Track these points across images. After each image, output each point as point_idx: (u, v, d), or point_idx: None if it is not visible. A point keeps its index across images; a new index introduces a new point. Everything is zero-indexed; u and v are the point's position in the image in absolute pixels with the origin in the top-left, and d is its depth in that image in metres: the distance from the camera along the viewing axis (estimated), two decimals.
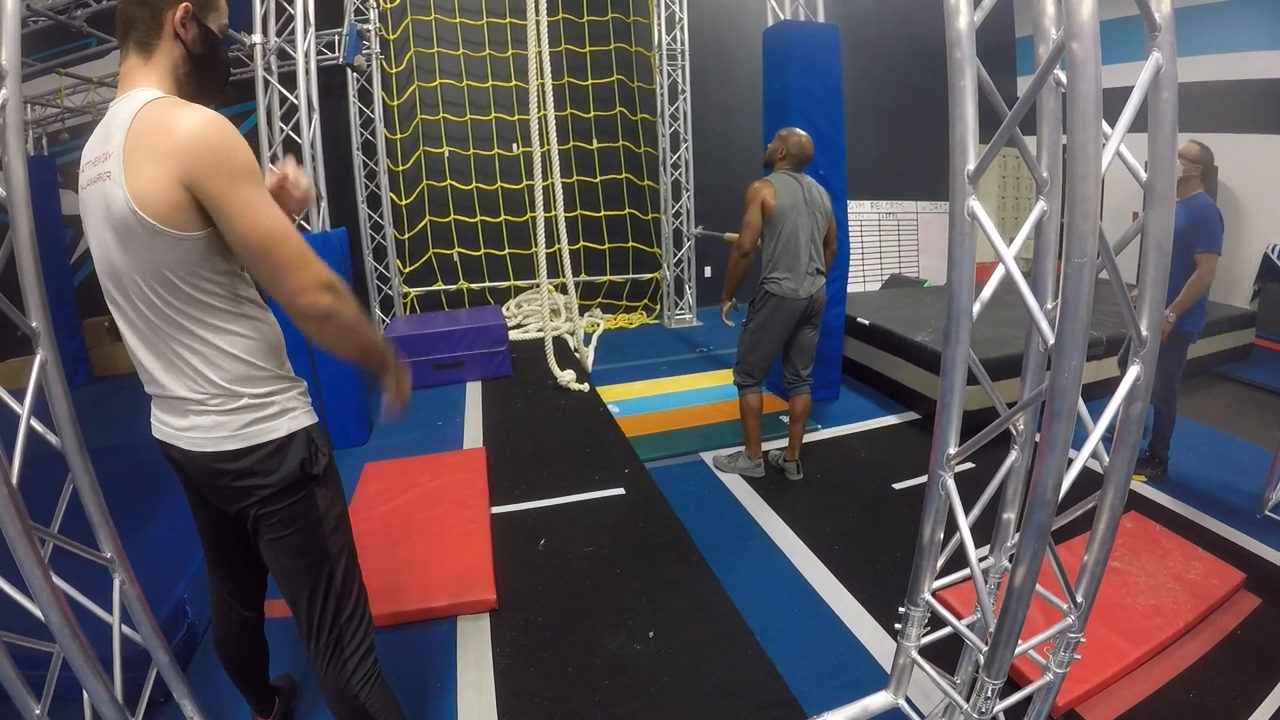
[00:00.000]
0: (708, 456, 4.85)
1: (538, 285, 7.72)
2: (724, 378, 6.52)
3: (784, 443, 4.72)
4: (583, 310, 9.44)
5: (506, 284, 9.35)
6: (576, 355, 7.02)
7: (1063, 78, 1.45)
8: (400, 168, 8.80)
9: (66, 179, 8.13)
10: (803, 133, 4.23)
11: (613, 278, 9.67)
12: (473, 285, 9.21)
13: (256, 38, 5.04)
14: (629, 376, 6.84)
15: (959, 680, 2.30)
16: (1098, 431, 1.68)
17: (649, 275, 9.75)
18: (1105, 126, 1.48)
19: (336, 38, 7.67)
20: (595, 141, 9.40)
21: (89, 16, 5.78)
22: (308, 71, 5.03)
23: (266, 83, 5.10)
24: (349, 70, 7.92)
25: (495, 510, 4.03)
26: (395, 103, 8.70)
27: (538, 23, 5.57)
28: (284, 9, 5.30)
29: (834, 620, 3.15)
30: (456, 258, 9.13)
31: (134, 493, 3.71)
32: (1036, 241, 1.96)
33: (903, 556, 3.43)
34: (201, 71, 1.65)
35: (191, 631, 2.95)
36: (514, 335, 8.11)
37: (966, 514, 1.99)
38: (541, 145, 5.85)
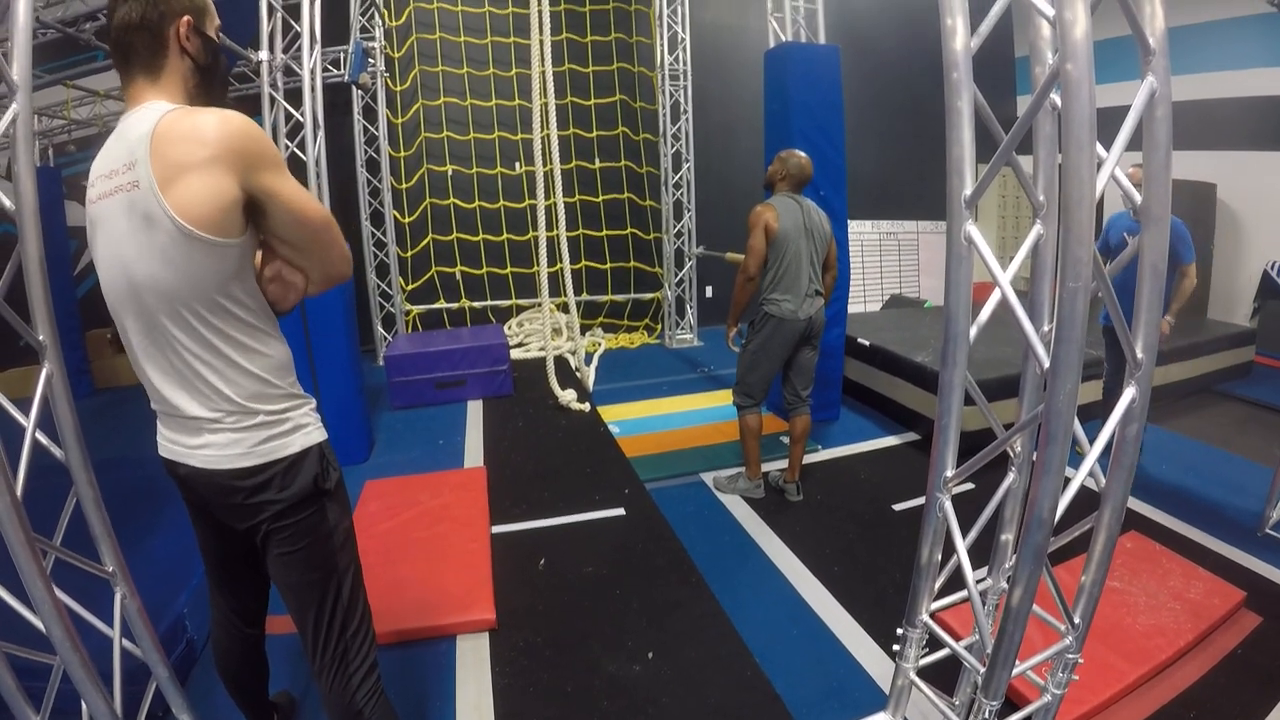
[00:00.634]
0: (708, 477, 4.84)
1: (539, 304, 7.75)
2: (725, 398, 6.53)
3: (784, 464, 4.72)
4: (584, 329, 9.46)
5: (508, 303, 9.38)
6: (578, 374, 7.03)
7: (1058, 101, 1.47)
8: (404, 185, 8.86)
9: (72, 191, 8.19)
10: (802, 154, 4.27)
11: (614, 297, 9.70)
12: (475, 304, 9.24)
13: (263, 55, 5.09)
14: (630, 396, 6.85)
15: (957, 702, 2.30)
16: (1094, 453, 1.70)
17: (650, 295, 9.78)
18: (1100, 150, 1.51)
19: (342, 55, 7.75)
20: (598, 161, 9.46)
21: (97, 30, 5.83)
22: (313, 89, 5.08)
23: (272, 99, 5.14)
24: (354, 88, 7.98)
25: (496, 529, 4.03)
26: (399, 120, 8.76)
27: (541, 42, 5.62)
28: (290, 26, 5.35)
29: (833, 641, 3.14)
30: (459, 276, 9.17)
31: (134, 506, 3.70)
32: (1033, 264, 1.98)
33: (902, 578, 3.42)
34: (210, 78, 1.69)
35: (191, 647, 2.95)
36: (515, 354, 8.13)
37: (964, 535, 2.00)
38: (544, 164, 5.89)
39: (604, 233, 9.56)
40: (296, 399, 1.74)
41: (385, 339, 8.80)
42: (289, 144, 5.27)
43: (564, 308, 8.49)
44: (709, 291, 10.04)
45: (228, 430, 1.63)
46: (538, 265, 6.47)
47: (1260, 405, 6.40)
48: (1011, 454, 2.16)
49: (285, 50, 5.32)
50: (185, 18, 1.59)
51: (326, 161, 5.28)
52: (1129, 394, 1.72)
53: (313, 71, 5.06)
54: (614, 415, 6.21)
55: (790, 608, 3.41)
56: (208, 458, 1.65)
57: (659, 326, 9.83)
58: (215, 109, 1.50)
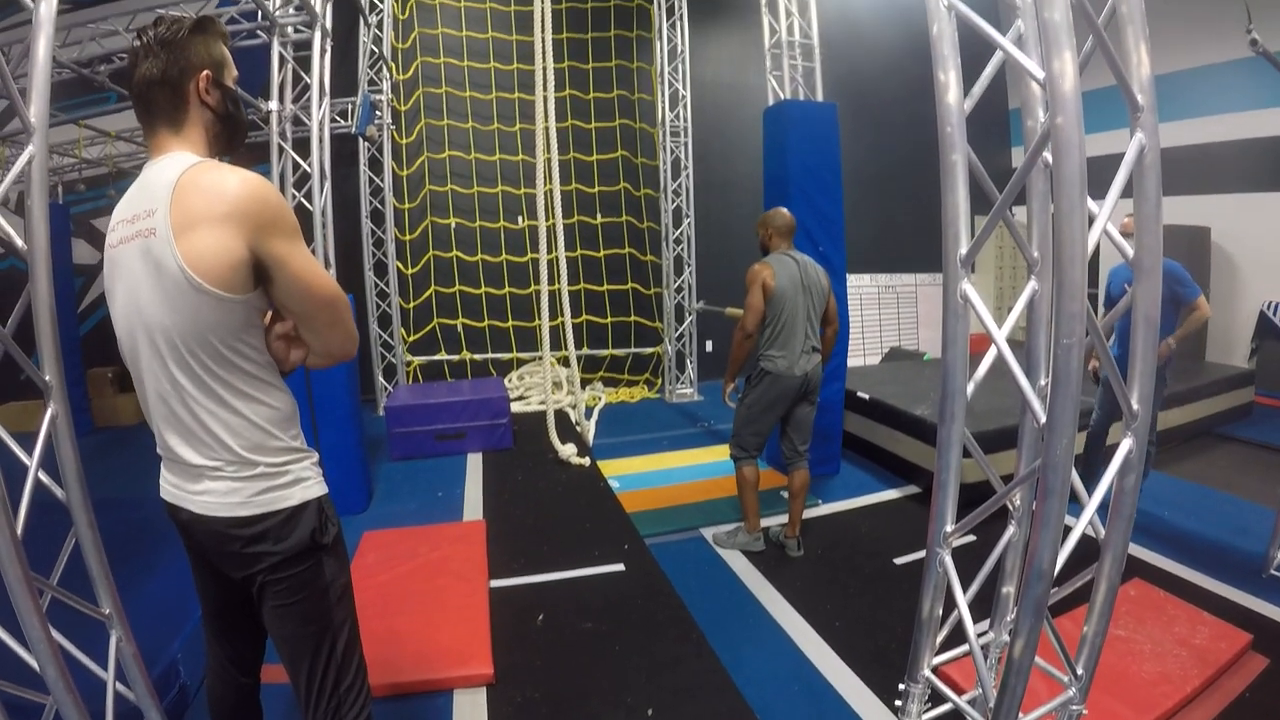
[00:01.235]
0: (708, 532, 4.81)
1: (540, 357, 7.78)
2: (725, 453, 6.46)
3: (785, 518, 4.70)
4: (584, 383, 9.47)
5: (509, 355, 9.42)
6: (578, 429, 7.03)
7: (1050, 159, 1.51)
8: (408, 237, 8.97)
9: (80, 228, 8.29)
10: (780, 209, 4.42)
11: (615, 352, 9.74)
12: (476, 356, 9.28)
13: (273, 105, 5.20)
14: (630, 451, 6.84)
15: None
16: (1092, 505, 1.70)
17: (651, 349, 9.82)
18: (1092, 205, 1.54)
19: (350, 107, 7.91)
20: (599, 216, 9.59)
21: (111, 72, 5.96)
22: (321, 139, 5.17)
23: (281, 149, 5.23)
24: (360, 139, 8.11)
25: (494, 584, 4.00)
26: (405, 173, 8.91)
27: (545, 99, 5.74)
28: (300, 77, 5.47)
29: (835, 697, 3.09)
30: (460, 328, 9.23)
31: (131, 547, 3.69)
32: (1029, 319, 2.00)
33: (904, 632, 3.37)
34: (230, 127, 1.74)
35: (184, 692, 2.92)
36: (516, 407, 8.12)
37: (965, 589, 1.99)
38: (547, 218, 5.96)
39: (605, 287, 9.64)
40: (298, 452, 1.74)
41: (386, 389, 8.82)
42: (296, 193, 5.35)
43: (565, 361, 8.53)
44: (709, 346, 10.09)
45: (227, 479, 1.64)
46: (539, 319, 6.51)
47: (1261, 446, 6.41)
48: (1011, 507, 2.16)
49: (295, 100, 5.43)
50: (205, 72, 1.64)
51: (332, 211, 5.34)
52: (1126, 444, 1.73)
53: (321, 122, 5.16)
54: (614, 470, 6.19)
55: (791, 663, 3.37)
56: (207, 504, 1.66)
57: (659, 381, 9.85)
58: (242, 170, 1.54)
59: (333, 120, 6.55)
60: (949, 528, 2.03)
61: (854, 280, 10.05)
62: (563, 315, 6.19)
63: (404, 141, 8.93)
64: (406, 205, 8.96)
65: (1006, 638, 2.19)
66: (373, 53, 8.44)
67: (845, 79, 8.98)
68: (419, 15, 8.98)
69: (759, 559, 4.42)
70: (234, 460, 1.62)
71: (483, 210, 9.30)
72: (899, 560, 4.32)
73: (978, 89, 1.91)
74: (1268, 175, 8.32)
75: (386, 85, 8.63)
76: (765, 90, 6.18)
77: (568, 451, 6.20)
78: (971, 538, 1.91)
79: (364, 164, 8.65)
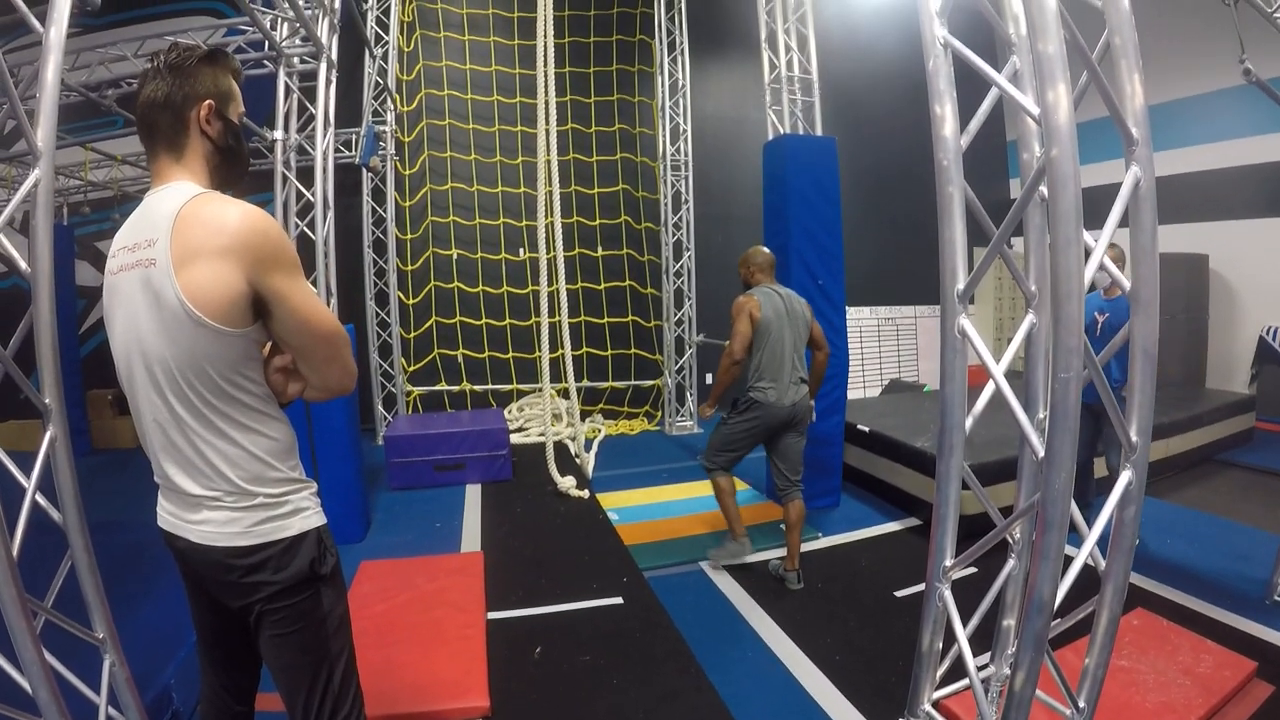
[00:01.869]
0: (708, 565, 4.79)
1: (540, 389, 7.78)
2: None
3: (783, 551, 4.67)
4: (584, 416, 9.45)
5: (509, 387, 9.42)
6: (577, 461, 7.01)
7: (1046, 193, 1.52)
8: (409, 267, 9.02)
9: (84, 251, 8.33)
10: (760, 247, 4.77)
11: (615, 384, 9.74)
12: (476, 387, 9.28)
13: (278, 134, 5.25)
14: (629, 484, 6.81)
15: None
16: (1092, 537, 1.70)
17: (651, 382, 9.82)
18: (1088, 239, 1.55)
19: (354, 137, 7.99)
20: (600, 249, 9.64)
21: (119, 97, 6.02)
22: (325, 169, 5.22)
23: (285, 178, 5.27)
24: (364, 170, 8.18)
25: (492, 615, 3.97)
26: (407, 203, 8.99)
27: (547, 131, 5.80)
28: (306, 107, 5.53)
29: None
30: (461, 359, 9.25)
31: (127, 570, 3.68)
32: (1027, 353, 2.00)
33: (905, 665, 3.34)
34: (230, 161, 1.74)
35: (176, 718, 2.88)
36: (515, 439, 8.11)
37: (965, 623, 1.98)
38: (548, 251, 5.98)
39: (605, 320, 9.67)
40: (297, 483, 1.74)
41: (385, 419, 8.82)
42: (299, 222, 5.38)
43: (565, 393, 8.53)
44: (709, 379, 10.07)
45: (226, 509, 1.63)
46: (539, 350, 6.52)
47: (1263, 471, 6.40)
48: (1011, 540, 2.15)
49: (299, 130, 5.48)
50: (208, 102, 1.65)
51: (335, 241, 5.38)
52: (1125, 477, 1.73)
53: (325, 152, 5.20)
54: (613, 502, 6.16)
55: (790, 697, 3.33)
56: (205, 533, 1.65)
57: (659, 413, 9.83)
58: (243, 203, 1.55)
59: (337, 150, 6.61)
60: (948, 562, 2.02)
61: (853, 313, 10.09)
62: (563, 347, 6.21)
63: (407, 172, 9.01)
64: (409, 236, 9.02)
65: (1007, 671, 2.18)
66: (377, 84, 8.55)
67: (844, 113, 9.08)
68: (424, 48, 9.11)
69: (759, 592, 4.38)
70: (233, 491, 1.62)
71: (484, 242, 9.36)
72: (899, 593, 4.29)
73: (974, 124, 1.93)
74: (1264, 201, 8.40)
75: (390, 116, 8.73)
76: (765, 124, 6.24)
77: (567, 483, 6.18)
78: (972, 569, 1.90)
79: (367, 194, 8.72)
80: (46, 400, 1.96)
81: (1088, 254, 1.55)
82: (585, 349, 9.46)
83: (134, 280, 1.53)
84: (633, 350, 9.79)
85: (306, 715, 1.77)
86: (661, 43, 9.34)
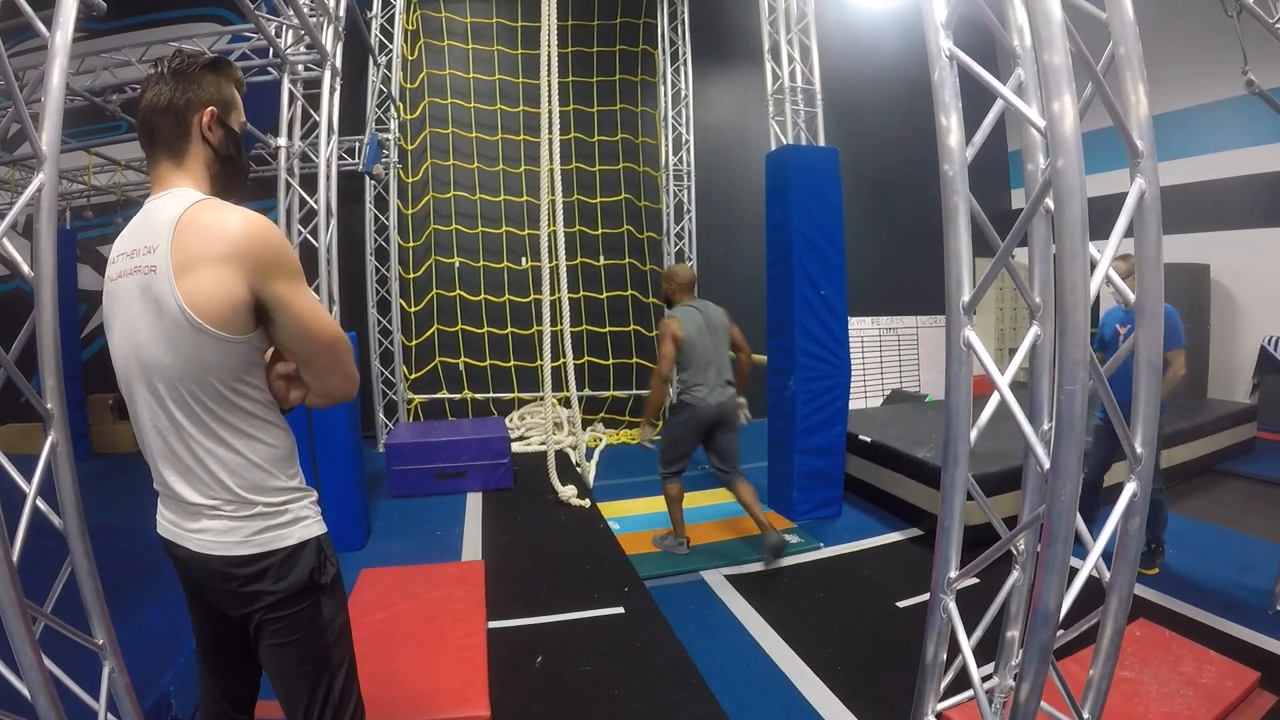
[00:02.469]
0: (709, 575, 4.78)
1: (542, 398, 7.78)
2: (725, 495, 6.49)
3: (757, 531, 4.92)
4: (586, 425, 9.44)
5: (511, 395, 9.42)
6: (578, 470, 7.00)
7: (1051, 205, 1.52)
8: (411, 275, 9.04)
9: (86, 255, 8.35)
10: (683, 265, 5.48)
11: (616, 393, 9.74)
12: (477, 395, 9.29)
13: (282, 141, 5.26)
14: (630, 493, 6.80)
15: None
16: (1097, 549, 1.69)
17: None
18: (1093, 250, 1.55)
19: (357, 145, 8.00)
20: (602, 258, 9.65)
21: (123, 102, 6.04)
22: (328, 177, 5.23)
23: (288, 185, 5.28)
24: (367, 177, 8.20)
25: (492, 625, 3.95)
26: (410, 211, 9.01)
27: (550, 141, 5.80)
28: (310, 115, 5.54)
29: None
30: (462, 367, 9.25)
31: (126, 575, 3.65)
32: (1032, 364, 2.00)
33: (907, 676, 3.33)
34: (231, 169, 1.73)
35: None
36: (516, 447, 8.09)
37: (969, 634, 1.97)
38: (550, 259, 5.98)
39: (608, 329, 9.68)
40: (298, 491, 1.73)
41: (387, 426, 8.82)
42: (302, 229, 5.39)
43: (566, 402, 8.52)
44: None
45: (225, 518, 1.62)
46: (541, 359, 6.51)
47: (1265, 481, 6.39)
48: (1015, 552, 2.15)
49: (303, 137, 5.49)
50: (210, 108, 1.65)
51: (337, 248, 5.38)
52: (1130, 489, 1.73)
53: (329, 160, 5.21)
54: (614, 512, 6.15)
55: (793, 708, 3.32)
56: (204, 542, 1.64)
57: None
58: (245, 210, 1.54)
59: (340, 158, 6.62)
60: (953, 573, 2.02)
61: (855, 323, 10.08)
62: (565, 356, 6.21)
63: (410, 180, 9.04)
64: (411, 244, 9.03)
65: (1011, 682, 2.17)
66: (381, 92, 8.58)
67: (846, 123, 9.08)
68: (427, 56, 9.15)
69: (761, 603, 4.37)
70: (233, 499, 1.61)
71: (486, 250, 9.37)
72: (901, 603, 4.28)
73: (979, 137, 1.93)
74: (1266, 211, 8.41)
75: (394, 124, 8.76)
76: (768, 135, 6.25)
77: (568, 492, 6.17)
78: (974, 580, 1.89)
79: (370, 202, 8.74)
80: (49, 405, 1.96)
81: (1094, 266, 1.55)
82: (587, 358, 9.47)
83: (133, 287, 1.53)
84: (634, 359, 9.79)
85: None
86: (664, 53, 9.39)
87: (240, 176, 1.79)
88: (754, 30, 6.52)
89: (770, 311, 6.10)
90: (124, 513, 3.43)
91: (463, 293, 9.26)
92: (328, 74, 5.26)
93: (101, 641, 2.15)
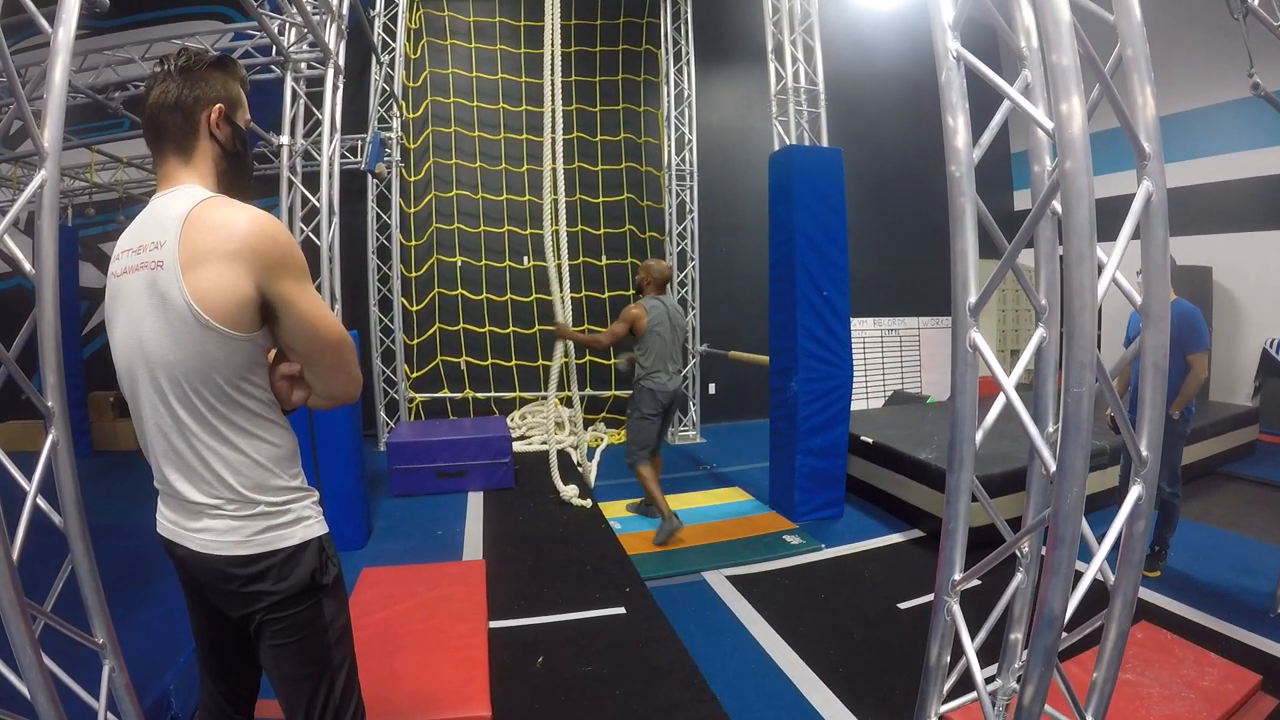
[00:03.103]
0: (711, 576, 4.78)
1: (543, 397, 7.78)
2: (728, 495, 6.51)
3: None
4: (587, 424, 9.44)
5: (512, 395, 9.42)
6: (580, 469, 7.00)
7: (1058, 208, 1.51)
8: (413, 274, 9.04)
9: (88, 252, 8.35)
10: (662, 262, 5.76)
11: (617, 393, 9.71)
12: (479, 394, 9.28)
13: (284, 139, 5.26)
14: (632, 493, 6.77)
15: None
16: (1102, 552, 1.68)
17: None
18: (1100, 253, 1.54)
19: (360, 143, 8.00)
20: (605, 258, 9.65)
21: (126, 99, 6.03)
22: (331, 175, 5.23)
23: (290, 183, 5.28)
24: (370, 176, 8.20)
25: (493, 625, 3.95)
26: (412, 210, 9.01)
27: (553, 140, 5.80)
28: (312, 113, 5.54)
29: None
30: (464, 366, 9.25)
31: (126, 574, 3.66)
32: (1036, 367, 1.99)
33: (910, 678, 3.33)
34: (237, 166, 1.73)
35: None
36: (518, 447, 8.09)
37: (973, 636, 1.96)
38: (553, 259, 5.97)
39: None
40: (300, 491, 1.72)
41: (388, 425, 8.82)
42: (304, 227, 5.39)
43: (568, 401, 8.52)
44: (711, 389, 10.07)
45: (227, 517, 1.61)
46: (542, 358, 6.51)
47: (1266, 484, 6.41)
48: (1019, 554, 2.14)
49: (305, 135, 5.49)
50: (218, 105, 1.65)
51: (339, 246, 5.38)
52: (1135, 492, 1.72)
53: (331, 158, 5.21)
54: (615, 511, 6.15)
55: (794, 710, 3.32)
56: (205, 542, 1.63)
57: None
58: (253, 208, 1.54)
59: (342, 156, 6.62)
60: (957, 576, 2.01)
61: (857, 323, 10.09)
62: (567, 355, 6.20)
63: (412, 179, 9.04)
64: (413, 242, 9.03)
65: (1015, 685, 2.16)
66: (384, 90, 8.57)
67: (849, 123, 9.08)
68: (430, 55, 9.15)
69: (763, 604, 4.37)
70: (234, 499, 1.61)
71: (489, 249, 9.37)
72: (903, 605, 4.27)
73: (986, 137, 1.92)
74: (1268, 213, 8.41)
75: (396, 123, 8.76)
76: (771, 135, 6.25)
77: (569, 492, 6.17)
78: (976, 582, 1.88)
79: (372, 200, 8.74)
80: (49, 402, 1.95)
81: (1101, 268, 1.54)
82: (589, 357, 9.44)
83: (139, 283, 1.52)
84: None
85: None
86: (667, 53, 9.38)
87: (246, 176, 1.79)
88: (757, 30, 6.52)
89: (773, 312, 6.09)
90: (126, 511, 3.42)
91: (465, 292, 9.26)
92: (330, 72, 5.26)
93: (101, 640, 2.15)
